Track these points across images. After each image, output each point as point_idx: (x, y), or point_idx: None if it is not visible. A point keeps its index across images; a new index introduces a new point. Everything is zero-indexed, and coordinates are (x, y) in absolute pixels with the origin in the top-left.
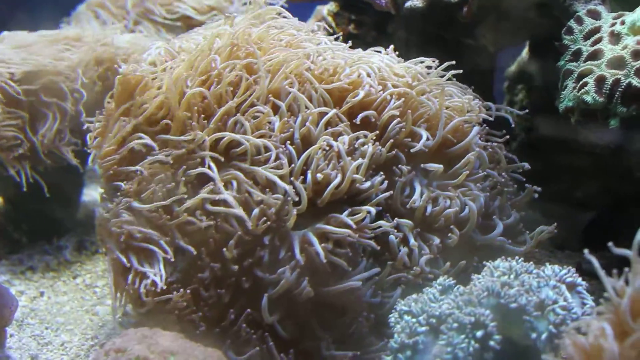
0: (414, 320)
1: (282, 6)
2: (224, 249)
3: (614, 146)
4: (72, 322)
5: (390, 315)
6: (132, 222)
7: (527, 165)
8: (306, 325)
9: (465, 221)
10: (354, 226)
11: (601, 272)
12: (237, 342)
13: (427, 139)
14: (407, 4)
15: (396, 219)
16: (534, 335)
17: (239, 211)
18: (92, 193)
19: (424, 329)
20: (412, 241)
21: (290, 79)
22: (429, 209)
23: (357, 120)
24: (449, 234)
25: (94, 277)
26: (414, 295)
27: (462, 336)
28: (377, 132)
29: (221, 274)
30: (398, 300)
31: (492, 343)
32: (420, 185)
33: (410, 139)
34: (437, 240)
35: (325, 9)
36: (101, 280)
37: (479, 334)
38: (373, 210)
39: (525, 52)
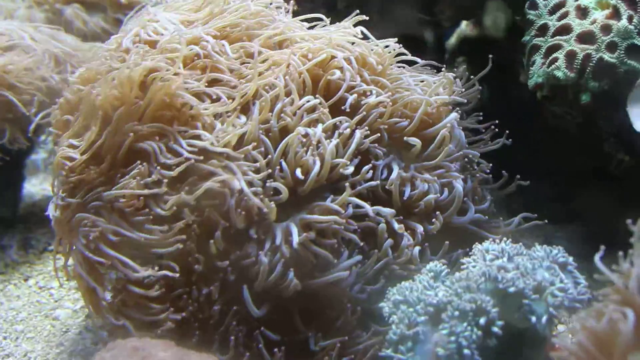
0: (411, 309)
1: None
2: (211, 242)
3: (575, 120)
4: (32, 329)
5: (383, 305)
6: (103, 220)
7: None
8: (293, 320)
9: (446, 204)
10: (341, 211)
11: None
12: (226, 342)
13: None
14: None
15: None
16: (533, 318)
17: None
18: (32, 188)
19: (423, 318)
20: (396, 226)
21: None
22: (407, 192)
23: (347, 108)
24: (433, 220)
25: (47, 277)
26: (407, 283)
27: (465, 324)
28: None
29: (207, 270)
30: (388, 289)
31: (495, 329)
32: (399, 168)
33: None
34: (420, 228)
35: None
36: (56, 281)
37: (482, 320)
38: (358, 201)
39: (464, 25)
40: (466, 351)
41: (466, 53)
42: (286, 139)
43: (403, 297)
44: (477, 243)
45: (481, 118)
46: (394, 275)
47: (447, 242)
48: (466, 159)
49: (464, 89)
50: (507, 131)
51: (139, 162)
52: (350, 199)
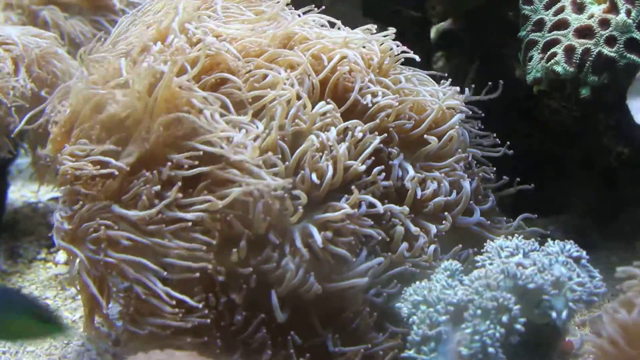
0: (431, 309)
1: None
2: (234, 251)
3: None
4: (32, 342)
5: (400, 306)
6: (113, 228)
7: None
8: (310, 322)
9: (452, 204)
10: (353, 212)
11: None
12: (249, 349)
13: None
14: None
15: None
16: (554, 313)
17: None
18: (11, 194)
19: (444, 318)
20: (412, 228)
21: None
22: (419, 192)
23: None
24: (444, 222)
25: (40, 287)
26: (424, 283)
27: (487, 322)
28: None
29: (227, 277)
30: (405, 290)
31: (517, 326)
32: (415, 168)
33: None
34: (434, 229)
35: None
36: (50, 291)
37: (505, 318)
38: (371, 199)
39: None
40: (490, 349)
41: (445, 47)
42: (302, 146)
43: (422, 297)
44: (488, 241)
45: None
46: (407, 275)
47: (460, 245)
48: (469, 159)
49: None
50: (508, 142)
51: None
52: (363, 197)
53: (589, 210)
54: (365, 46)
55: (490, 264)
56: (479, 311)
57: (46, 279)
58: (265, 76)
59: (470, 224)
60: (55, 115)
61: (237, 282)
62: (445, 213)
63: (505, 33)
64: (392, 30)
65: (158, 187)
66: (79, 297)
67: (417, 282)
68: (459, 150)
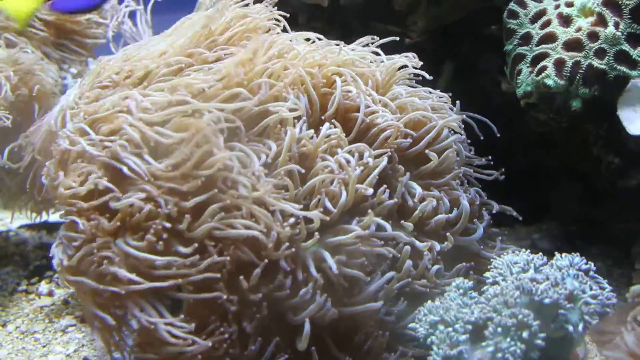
0: (449, 329)
1: None
2: (241, 278)
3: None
4: None
5: (416, 326)
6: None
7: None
8: (323, 345)
9: (453, 222)
10: (364, 233)
11: None
12: None
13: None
14: None
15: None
16: (570, 327)
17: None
18: None
19: (464, 337)
20: (418, 244)
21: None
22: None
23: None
24: (445, 242)
25: (26, 321)
26: (437, 303)
27: (508, 339)
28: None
29: (240, 306)
30: (419, 310)
31: (538, 342)
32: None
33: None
34: (438, 246)
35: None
36: (38, 324)
37: (525, 334)
38: (381, 221)
39: None
40: None
41: None
42: (316, 178)
43: (439, 317)
44: (497, 257)
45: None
46: (414, 293)
47: (463, 264)
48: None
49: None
50: (503, 169)
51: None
52: (375, 219)
53: (572, 218)
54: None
55: (503, 279)
56: (499, 329)
57: (31, 312)
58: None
59: (473, 241)
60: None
61: (249, 311)
62: (447, 233)
63: (481, 47)
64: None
65: (168, 225)
66: (70, 330)
67: (429, 302)
68: (455, 167)
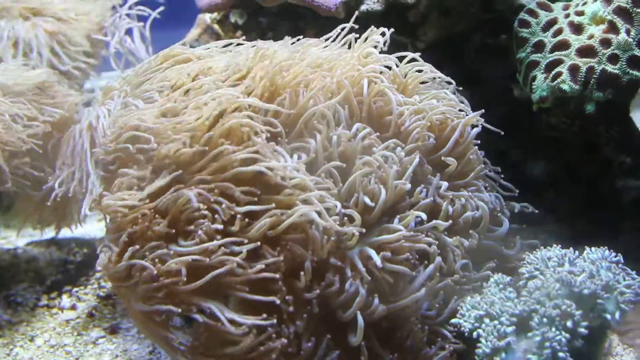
0: (496, 322)
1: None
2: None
3: (572, 129)
4: None
5: (459, 322)
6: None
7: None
8: (368, 342)
9: (479, 220)
10: (409, 233)
11: None
12: None
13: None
14: (364, 8)
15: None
16: (608, 316)
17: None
18: None
19: (511, 329)
20: (449, 240)
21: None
22: (451, 209)
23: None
24: (470, 239)
25: (54, 335)
26: (478, 298)
27: (554, 329)
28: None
29: (295, 305)
30: (460, 306)
31: (581, 330)
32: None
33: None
34: (466, 243)
35: (208, 17)
36: (67, 337)
37: (569, 324)
38: (423, 215)
39: None
40: (561, 354)
41: None
42: (354, 176)
43: (484, 311)
44: (527, 253)
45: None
46: (447, 290)
47: (494, 262)
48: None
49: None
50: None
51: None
52: (417, 213)
53: (577, 219)
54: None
55: (541, 273)
56: (544, 319)
57: (57, 326)
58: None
59: (497, 237)
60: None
61: (302, 310)
62: (472, 232)
63: (484, 57)
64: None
65: (220, 227)
66: (100, 341)
67: (469, 298)
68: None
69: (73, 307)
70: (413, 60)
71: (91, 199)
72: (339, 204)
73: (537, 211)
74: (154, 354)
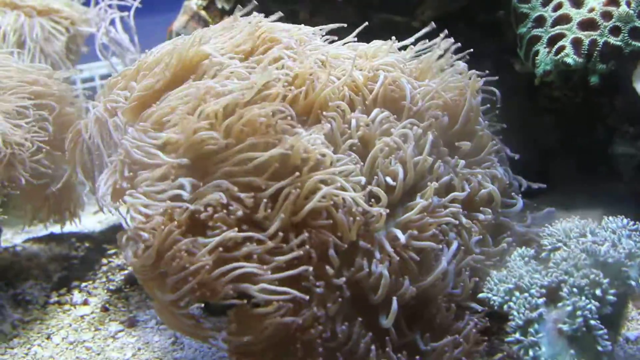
0: (526, 294)
1: None
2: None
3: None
4: None
5: (488, 296)
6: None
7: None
8: (396, 322)
9: (492, 197)
10: (427, 202)
11: None
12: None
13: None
14: None
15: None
16: (633, 282)
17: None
18: None
19: (542, 300)
20: (465, 220)
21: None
22: (467, 187)
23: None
24: (485, 215)
25: (71, 331)
26: (504, 272)
27: (583, 298)
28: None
29: (325, 290)
30: (487, 280)
31: (609, 297)
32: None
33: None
34: (482, 217)
35: (194, 3)
36: (85, 333)
37: (598, 292)
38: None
39: None
40: (592, 322)
41: None
42: (374, 152)
43: (514, 284)
44: (547, 225)
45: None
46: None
47: (511, 238)
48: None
49: None
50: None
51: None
52: (434, 184)
53: (576, 189)
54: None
55: (565, 245)
56: (574, 289)
57: (73, 322)
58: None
59: (514, 213)
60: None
61: (333, 294)
62: (488, 208)
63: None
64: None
65: (240, 213)
66: (120, 335)
67: (495, 272)
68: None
69: (86, 303)
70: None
71: (109, 193)
72: (363, 179)
73: (544, 186)
74: (177, 344)
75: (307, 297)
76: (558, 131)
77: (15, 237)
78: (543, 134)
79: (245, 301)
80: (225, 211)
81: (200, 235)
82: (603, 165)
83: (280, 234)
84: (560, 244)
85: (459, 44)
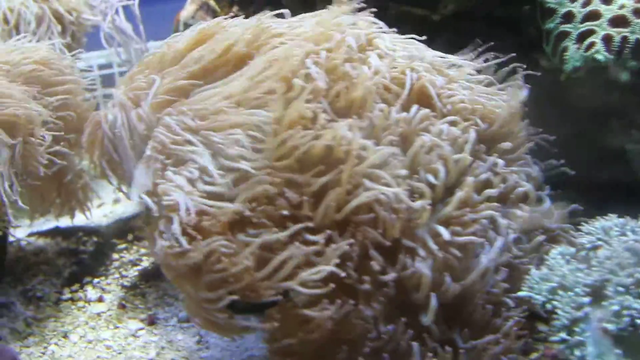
0: (571, 293)
1: None
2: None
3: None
4: None
5: (529, 294)
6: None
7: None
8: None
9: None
10: (465, 194)
11: None
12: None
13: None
14: None
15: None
16: None
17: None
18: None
19: (587, 299)
20: (502, 221)
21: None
22: (502, 185)
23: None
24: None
25: (88, 329)
26: (545, 270)
27: (630, 297)
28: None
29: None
30: (528, 278)
31: None
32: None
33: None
34: (519, 213)
35: None
36: (103, 331)
37: None
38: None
39: None
40: (638, 321)
41: None
42: (415, 149)
43: (557, 283)
44: (584, 223)
45: None
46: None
47: (541, 238)
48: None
49: None
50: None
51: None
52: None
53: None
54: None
55: (606, 243)
56: (620, 288)
57: (89, 319)
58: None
59: (542, 211)
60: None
61: (377, 293)
62: (522, 205)
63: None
64: None
65: (286, 212)
66: (141, 333)
67: (535, 271)
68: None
69: (100, 299)
70: None
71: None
72: (405, 171)
73: (572, 173)
74: (202, 343)
75: (353, 299)
76: (579, 126)
77: (17, 231)
78: (565, 130)
79: (284, 298)
80: (267, 207)
81: (241, 231)
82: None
83: (328, 232)
84: (600, 242)
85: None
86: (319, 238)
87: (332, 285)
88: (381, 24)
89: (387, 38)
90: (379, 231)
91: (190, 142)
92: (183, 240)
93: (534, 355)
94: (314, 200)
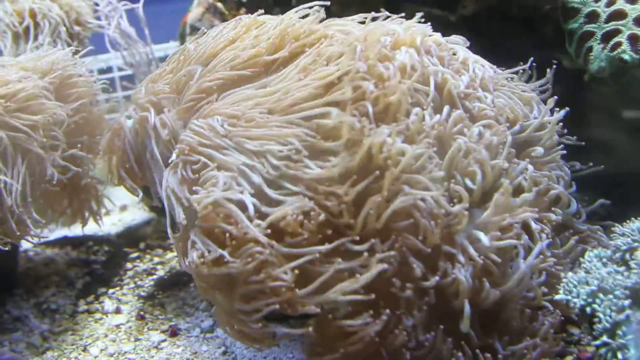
0: (610, 296)
1: None
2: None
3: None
4: None
5: (568, 298)
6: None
7: None
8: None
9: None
10: (502, 198)
11: None
12: None
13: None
14: None
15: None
16: None
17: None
18: None
19: (628, 302)
20: (534, 225)
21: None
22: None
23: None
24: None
25: (108, 342)
26: (583, 274)
27: None
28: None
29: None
30: (565, 282)
31: None
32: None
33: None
34: (553, 217)
35: None
36: (125, 344)
37: None
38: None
39: None
40: None
41: None
42: (452, 152)
43: (597, 287)
44: (618, 225)
45: None
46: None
47: (574, 239)
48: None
49: None
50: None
51: None
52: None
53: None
54: None
55: None
56: None
57: (108, 332)
58: None
59: (569, 214)
60: None
61: (419, 301)
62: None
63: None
64: None
65: (323, 217)
66: (164, 345)
67: (571, 274)
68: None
69: (118, 311)
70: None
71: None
72: (442, 173)
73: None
74: (228, 354)
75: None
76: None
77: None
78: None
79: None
80: (306, 219)
81: (279, 241)
82: None
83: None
84: (637, 244)
85: None
86: (363, 248)
87: (372, 295)
88: None
89: None
90: (419, 238)
91: (223, 148)
92: (221, 250)
93: (568, 358)
94: (353, 207)
